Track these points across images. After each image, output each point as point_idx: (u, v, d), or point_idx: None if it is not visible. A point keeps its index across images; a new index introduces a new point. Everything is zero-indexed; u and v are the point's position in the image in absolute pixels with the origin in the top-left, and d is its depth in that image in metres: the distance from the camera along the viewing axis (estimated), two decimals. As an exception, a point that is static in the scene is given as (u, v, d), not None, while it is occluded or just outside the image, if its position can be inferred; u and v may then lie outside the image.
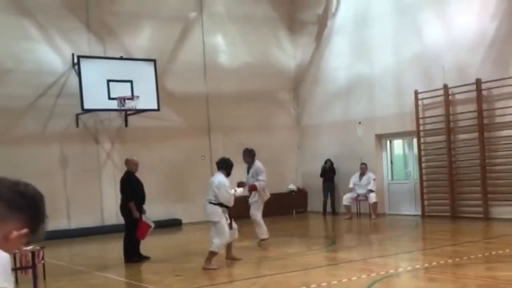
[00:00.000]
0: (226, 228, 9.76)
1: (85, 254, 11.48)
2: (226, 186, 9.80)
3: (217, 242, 9.65)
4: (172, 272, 9.59)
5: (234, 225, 10.26)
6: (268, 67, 19.70)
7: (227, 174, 10.09)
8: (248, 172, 11.86)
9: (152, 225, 11.05)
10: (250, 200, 11.70)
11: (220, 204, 9.77)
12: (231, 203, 9.86)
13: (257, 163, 11.76)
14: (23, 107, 15.67)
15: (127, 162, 11.46)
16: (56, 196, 15.93)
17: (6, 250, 2.03)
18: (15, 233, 2.04)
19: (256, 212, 11.58)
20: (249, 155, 11.83)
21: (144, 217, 11.10)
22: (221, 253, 9.87)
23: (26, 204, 2.10)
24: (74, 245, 14.04)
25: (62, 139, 16.19)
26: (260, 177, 11.59)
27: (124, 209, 11.05)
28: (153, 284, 8.67)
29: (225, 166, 10.10)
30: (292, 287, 7.87)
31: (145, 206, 16.95)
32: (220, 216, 9.72)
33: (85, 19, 16.72)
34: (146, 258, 11.01)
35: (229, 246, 10.35)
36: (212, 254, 9.66)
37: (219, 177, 9.91)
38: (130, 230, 10.97)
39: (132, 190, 11.03)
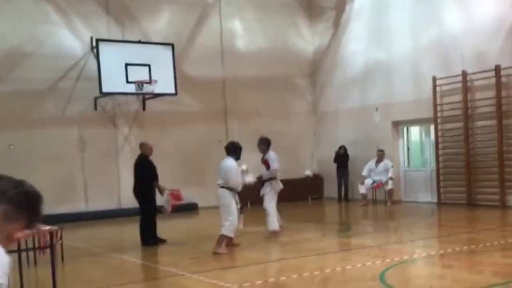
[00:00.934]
0: (236, 212, 9.79)
1: (102, 236, 11.64)
2: (234, 170, 9.80)
3: (228, 225, 9.68)
4: (188, 255, 9.68)
5: (241, 215, 10.23)
6: (285, 52, 19.67)
7: (237, 157, 10.10)
8: (262, 160, 11.68)
9: (168, 207, 11.14)
10: (262, 191, 11.48)
11: (229, 188, 9.79)
12: (239, 188, 9.89)
13: (271, 152, 11.55)
14: (42, 90, 15.83)
15: (142, 145, 11.53)
16: (74, 179, 16.14)
17: (4, 246, 2.08)
18: (19, 234, 2.09)
19: (270, 204, 11.32)
20: (264, 144, 11.63)
21: (163, 199, 11.17)
22: (231, 236, 9.83)
23: (31, 206, 2.16)
24: (92, 228, 14.21)
25: (80, 122, 16.34)
26: (273, 165, 11.48)
27: (139, 191, 11.10)
28: (169, 266, 8.77)
29: (233, 150, 10.12)
30: (307, 271, 7.91)
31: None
32: (230, 200, 9.74)
33: (104, 2, 16.80)
34: (162, 241, 11.11)
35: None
36: (223, 237, 9.70)
37: (228, 161, 9.92)
38: (146, 212, 11.05)
39: (152, 172, 11.08)
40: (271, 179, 11.41)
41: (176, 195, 11.18)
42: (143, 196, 10.99)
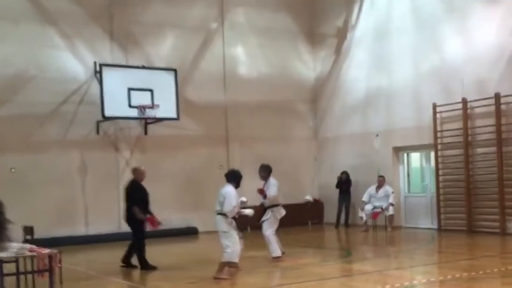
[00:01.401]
0: (236, 237, 9.76)
1: (102, 260, 11.61)
2: (233, 197, 9.75)
3: (230, 252, 9.62)
4: (186, 279, 9.66)
5: (240, 236, 10.22)
6: (287, 78, 19.81)
7: (236, 185, 10.06)
8: (258, 190, 11.63)
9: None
10: (263, 218, 11.51)
11: (226, 215, 9.73)
12: (231, 214, 9.73)
13: (271, 179, 11.60)
14: (45, 113, 15.93)
15: (135, 171, 11.58)
16: (74, 203, 16.16)
17: None
18: None
19: (268, 229, 11.37)
20: (265, 171, 11.67)
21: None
22: (236, 262, 9.77)
23: None
24: (91, 251, 14.19)
25: (82, 146, 16.41)
26: (270, 191, 11.42)
27: (130, 216, 11.14)
28: (168, 291, 8.74)
29: (233, 178, 10.09)
30: (306, 296, 7.90)
31: (163, 214, 17.11)
32: (229, 226, 9.71)
33: (108, 28, 16.98)
34: (154, 267, 11.08)
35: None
36: (224, 264, 9.65)
37: (227, 188, 9.89)
38: (137, 237, 11.09)
39: (138, 197, 11.15)
40: (273, 206, 11.44)
41: (152, 221, 11.17)
42: (137, 221, 11.00)
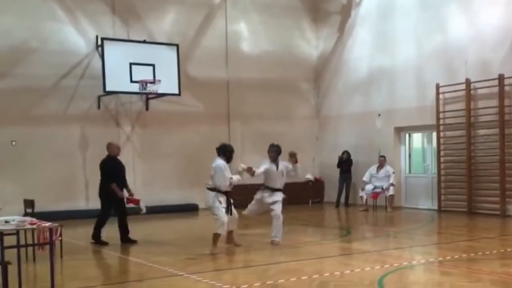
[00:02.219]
0: (221, 210, 9.78)
1: (102, 234, 11.61)
2: (222, 170, 9.79)
3: (215, 225, 9.79)
4: (186, 255, 9.69)
5: (235, 214, 10.24)
6: (290, 56, 19.70)
7: (227, 160, 10.04)
8: (277, 168, 10.97)
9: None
10: (275, 198, 10.89)
11: (214, 189, 9.83)
12: (224, 188, 9.84)
13: (284, 162, 11.09)
14: (46, 87, 15.87)
15: (109, 145, 11.54)
16: (75, 177, 16.17)
17: None
18: None
19: (281, 212, 10.91)
20: (276, 151, 11.00)
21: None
22: (221, 234, 9.84)
23: None
24: (92, 226, 14.17)
25: (83, 120, 16.37)
26: (297, 171, 11.06)
27: (103, 191, 11.16)
28: (167, 266, 8.77)
29: (223, 152, 10.09)
30: (305, 274, 7.92)
31: (162, 190, 17.17)
32: (213, 201, 9.77)
33: (110, 2, 16.86)
34: (105, 243, 11.14)
35: (229, 233, 10.38)
36: (215, 236, 9.78)
37: (217, 161, 9.94)
38: (104, 213, 11.21)
39: (112, 173, 11.13)
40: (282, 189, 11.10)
41: (133, 201, 11.20)
42: (111, 195, 11.04)
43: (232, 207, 10.21)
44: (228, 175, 9.96)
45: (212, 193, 9.84)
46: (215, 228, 9.82)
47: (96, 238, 11.29)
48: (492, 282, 7.31)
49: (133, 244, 11.13)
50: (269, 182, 10.96)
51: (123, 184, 11.36)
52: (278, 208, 10.89)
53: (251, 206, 11.27)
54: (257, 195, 11.11)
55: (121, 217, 11.33)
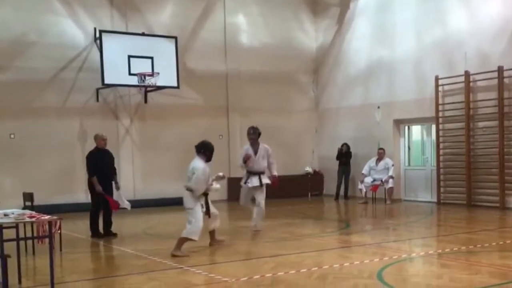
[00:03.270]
0: (200, 214, 9.20)
1: (101, 227, 11.60)
2: (203, 174, 9.16)
3: (189, 228, 9.15)
4: (186, 248, 9.68)
5: (215, 211, 9.77)
6: (289, 48, 19.65)
7: (207, 159, 9.39)
8: (255, 153, 11.25)
9: (122, 203, 11.18)
10: (252, 183, 11.03)
11: (189, 189, 9.24)
12: (198, 192, 9.15)
13: (265, 145, 11.30)
14: (44, 80, 15.84)
15: (95, 137, 11.54)
16: (74, 170, 16.15)
17: None
18: None
19: (263, 200, 11.16)
20: (256, 133, 11.33)
21: (116, 193, 11.20)
22: (194, 240, 9.22)
23: None
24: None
25: (82, 113, 16.35)
26: (271, 159, 11.22)
27: (89, 184, 11.20)
28: (167, 259, 8.78)
29: (203, 150, 9.41)
30: (305, 267, 7.92)
31: (161, 183, 17.15)
32: (194, 203, 9.18)
33: (108, -6, 16.80)
34: (114, 235, 11.20)
35: (211, 233, 9.92)
36: (182, 240, 9.16)
37: (196, 162, 9.29)
38: (93, 205, 11.16)
39: (96, 166, 11.08)
40: (263, 172, 11.22)
41: (111, 201, 11.11)
42: (93, 190, 11.02)
43: (211, 206, 9.68)
44: (209, 179, 9.35)
45: (190, 194, 9.26)
46: (187, 232, 9.14)
47: (95, 233, 11.23)
48: (491, 274, 7.33)
49: (114, 237, 11.14)
50: (249, 167, 11.18)
51: (110, 175, 11.27)
52: (258, 196, 11.11)
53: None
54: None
55: (104, 210, 11.29)
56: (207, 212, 9.42)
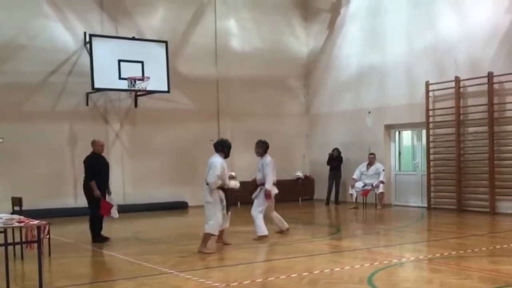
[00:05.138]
0: (219, 208, 9.73)
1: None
2: (218, 168, 9.64)
3: (212, 224, 9.67)
4: (176, 253, 9.65)
5: (227, 213, 10.13)
6: (279, 53, 19.67)
7: (225, 155, 10.01)
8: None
9: (115, 204, 11.12)
10: (254, 195, 11.41)
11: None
12: (213, 186, 9.63)
13: (267, 159, 11.32)
14: (34, 83, 15.75)
15: (93, 143, 11.50)
16: (64, 174, 16.06)
17: None
18: None
19: (256, 210, 11.21)
20: (261, 147, 11.35)
21: (108, 199, 11.19)
22: (215, 235, 9.79)
23: None
24: (80, 223, 14.08)
25: (72, 117, 16.27)
26: (266, 170, 11.17)
27: (86, 188, 11.10)
28: (158, 264, 8.73)
29: (221, 148, 10.01)
30: (295, 272, 7.90)
31: (152, 187, 17.12)
32: (212, 197, 9.68)
33: (99, -2, 16.74)
34: (106, 239, 11.13)
35: (221, 232, 10.22)
36: (207, 236, 9.69)
37: (214, 158, 9.87)
38: (92, 209, 11.05)
39: (94, 170, 11.05)
40: (263, 184, 11.26)
41: (105, 207, 11.02)
42: (91, 192, 10.94)
43: (227, 205, 10.07)
44: (226, 174, 9.86)
45: (212, 190, 9.71)
46: (208, 228, 9.67)
47: (97, 237, 11.13)
48: (481, 279, 7.33)
49: (106, 242, 11.05)
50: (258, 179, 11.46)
51: (105, 182, 11.26)
52: (253, 206, 11.32)
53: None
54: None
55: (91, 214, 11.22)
56: (226, 208, 9.87)
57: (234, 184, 10.20)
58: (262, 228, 11.12)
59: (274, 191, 11.44)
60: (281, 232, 11.70)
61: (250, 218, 11.38)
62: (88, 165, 11.20)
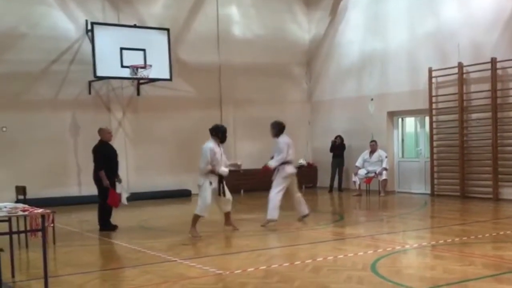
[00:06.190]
0: (208, 191, 9.88)
1: (95, 220, 11.57)
2: (206, 152, 9.90)
3: (199, 205, 9.95)
4: (180, 241, 9.68)
5: (228, 195, 10.29)
6: (281, 40, 19.60)
7: (221, 140, 10.20)
8: None
9: (126, 193, 11.17)
10: (272, 178, 11.18)
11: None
12: (202, 169, 9.92)
13: (280, 139, 11.15)
14: (36, 72, 15.73)
15: (100, 131, 11.39)
16: (67, 163, 16.09)
17: None
18: None
19: (272, 192, 11.00)
20: (273, 128, 11.24)
21: (119, 186, 11.14)
22: (203, 216, 10.03)
23: None
24: (84, 212, 14.15)
25: (74, 105, 16.27)
26: (275, 155, 11.04)
27: (96, 177, 11.06)
28: (161, 252, 8.75)
29: (215, 132, 10.20)
30: (298, 259, 7.92)
31: (155, 176, 17.13)
32: (204, 180, 9.91)
33: (100, -15, 16.68)
34: (114, 227, 11.12)
35: (226, 215, 10.50)
36: (194, 217, 9.96)
37: (207, 143, 10.07)
38: (102, 198, 11.02)
39: (104, 159, 11.01)
40: (281, 164, 11.05)
41: (113, 197, 10.99)
42: (101, 183, 10.92)
43: (225, 188, 10.25)
44: (217, 158, 9.97)
45: (204, 174, 9.98)
46: (196, 208, 9.97)
47: (105, 226, 11.11)
48: (485, 265, 7.34)
49: (114, 230, 11.06)
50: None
51: (114, 169, 11.26)
52: (271, 189, 11.09)
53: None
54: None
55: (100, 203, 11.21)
56: (220, 192, 10.02)
57: (223, 170, 10.13)
58: (272, 213, 10.95)
59: (289, 170, 11.13)
60: (301, 219, 11.41)
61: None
62: (97, 154, 11.13)
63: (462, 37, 15.27)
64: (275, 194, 11.00)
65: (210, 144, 10.04)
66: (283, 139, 11.19)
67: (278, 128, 11.26)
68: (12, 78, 15.36)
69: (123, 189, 11.28)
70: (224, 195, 10.19)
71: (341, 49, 19.10)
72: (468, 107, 15.39)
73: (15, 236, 8.26)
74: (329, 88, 19.61)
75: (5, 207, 7.35)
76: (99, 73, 15.55)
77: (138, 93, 17.25)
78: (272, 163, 11.04)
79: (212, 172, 9.96)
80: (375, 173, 16.65)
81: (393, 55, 17.21)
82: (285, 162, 11.07)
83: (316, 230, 10.88)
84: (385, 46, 17.49)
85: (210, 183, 9.92)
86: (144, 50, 16.07)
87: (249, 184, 17.24)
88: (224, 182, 10.27)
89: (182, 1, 17.96)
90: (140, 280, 7.10)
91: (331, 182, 18.28)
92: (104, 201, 11.01)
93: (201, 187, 9.96)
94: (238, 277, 7.04)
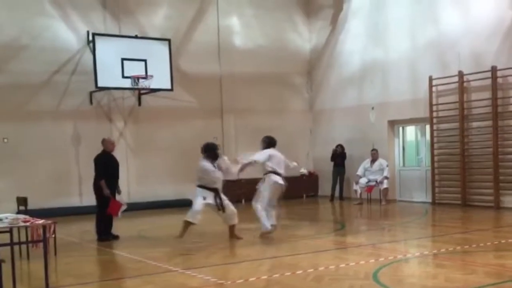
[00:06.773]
0: (199, 200, 10.32)
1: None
2: (208, 169, 10.38)
3: (189, 211, 10.47)
4: (180, 251, 9.67)
5: (231, 209, 10.50)
6: (282, 50, 19.66)
7: (212, 157, 10.46)
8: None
9: (124, 204, 11.18)
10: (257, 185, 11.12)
11: (203, 186, 10.42)
12: (214, 185, 10.42)
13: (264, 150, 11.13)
14: (37, 83, 15.79)
15: (103, 141, 11.49)
16: (68, 173, 16.11)
17: None
18: None
19: (256, 202, 10.93)
20: (262, 143, 11.22)
21: (117, 197, 11.22)
22: (190, 221, 10.44)
23: None
24: (86, 222, 14.13)
25: (75, 116, 16.31)
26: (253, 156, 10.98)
27: (96, 187, 11.10)
28: (162, 262, 8.75)
29: (206, 150, 10.51)
30: (300, 268, 7.90)
31: (155, 186, 17.14)
32: (196, 195, 10.41)
33: (101, -4, 16.76)
34: (115, 237, 11.16)
35: (230, 228, 10.74)
36: (184, 223, 10.44)
37: (202, 163, 10.44)
38: (101, 208, 11.03)
39: (104, 169, 11.05)
40: (265, 174, 11.02)
41: (114, 206, 11.01)
42: (101, 191, 10.94)
43: (226, 202, 10.47)
44: (208, 174, 10.45)
45: (199, 189, 10.44)
46: (187, 215, 10.42)
47: (105, 234, 11.11)
48: (487, 274, 7.33)
49: (115, 240, 11.09)
50: None
51: (114, 181, 11.27)
52: (254, 199, 11.17)
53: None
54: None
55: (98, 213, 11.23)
56: (218, 207, 10.42)
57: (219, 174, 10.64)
58: (264, 225, 10.83)
59: (275, 179, 10.82)
60: (264, 235, 10.94)
61: (255, 215, 11.36)
62: (99, 163, 11.17)
63: (462, 46, 15.30)
64: (256, 204, 10.91)
65: (205, 162, 10.43)
66: (268, 150, 11.11)
67: (266, 143, 11.23)
68: (13, 89, 15.41)
69: (122, 201, 11.29)
70: (224, 210, 10.37)
71: (342, 58, 19.15)
72: (469, 116, 15.40)
73: (16, 247, 8.26)
74: (330, 97, 19.64)
75: (7, 218, 7.36)
76: (100, 84, 15.59)
77: (139, 104, 17.29)
78: (240, 165, 11.01)
79: (211, 188, 10.41)
80: (376, 181, 16.64)
81: (394, 64, 17.25)
82: (273, 172, 10.91)
83: (318, 239, 10.87)
84: (385, 55, 17.53)
85: (204, 197, 10.29)
86: (145, 60, 16.13)
87: (250, 193, 17.17)
88: (223, 197, 10.46)
89: (183, 12, 18.03)
90: (142, 290, 7.10)
91: (332, 191, 18.28)
92: (103, 211, 11.03)
93: (193, 200, 10.44)
94: (240, 287, 7.04)
